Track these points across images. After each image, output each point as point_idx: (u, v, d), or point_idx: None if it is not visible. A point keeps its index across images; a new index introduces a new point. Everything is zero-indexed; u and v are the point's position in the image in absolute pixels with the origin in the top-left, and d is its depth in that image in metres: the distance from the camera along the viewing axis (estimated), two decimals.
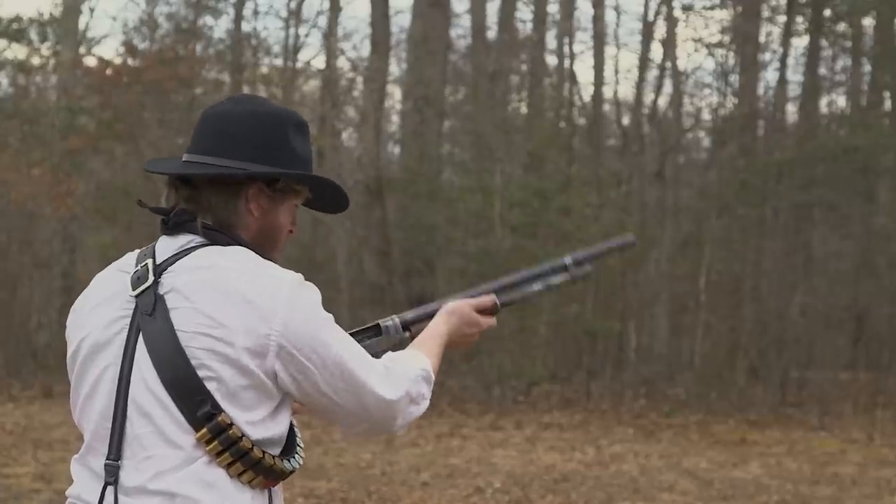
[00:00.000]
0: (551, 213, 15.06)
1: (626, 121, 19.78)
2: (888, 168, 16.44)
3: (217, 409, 2.04)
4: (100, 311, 2.17)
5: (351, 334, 2.28)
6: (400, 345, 2.45)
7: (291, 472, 2.15)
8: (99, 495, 2.07)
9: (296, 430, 2.22)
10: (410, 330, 2.50)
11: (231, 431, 2.04)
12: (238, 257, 2.13)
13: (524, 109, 20.16)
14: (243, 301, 2.06)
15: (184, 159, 2.21)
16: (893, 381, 15.51)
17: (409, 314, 2.51)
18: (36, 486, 8.77)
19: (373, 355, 2.25)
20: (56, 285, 17.45)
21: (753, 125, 17.20)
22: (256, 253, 2.17)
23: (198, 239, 2.17)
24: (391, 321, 2.51)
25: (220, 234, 2.18)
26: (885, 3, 15.80)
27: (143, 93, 15.99)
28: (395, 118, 22.27)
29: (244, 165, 2.18)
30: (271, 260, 2.20)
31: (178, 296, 2.09)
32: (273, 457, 2.10)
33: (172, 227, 2.18)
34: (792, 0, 17.42)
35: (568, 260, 2.56)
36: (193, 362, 2.04)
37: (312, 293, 2.13)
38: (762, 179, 15.77)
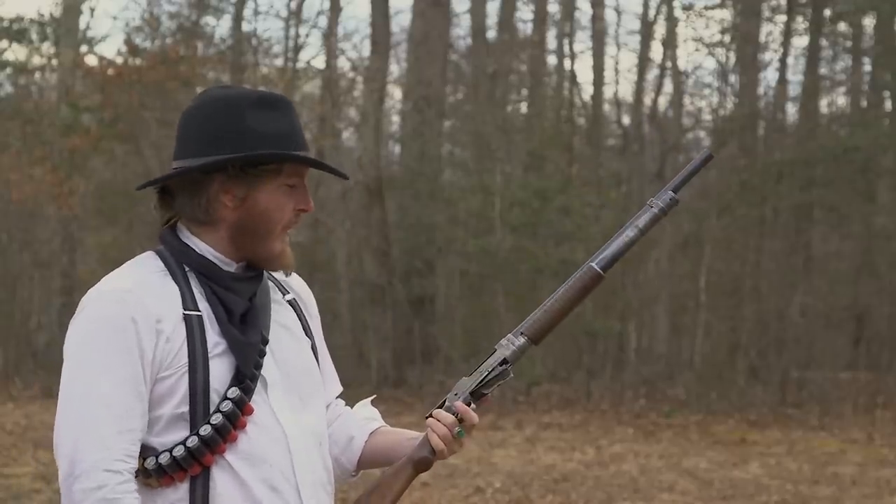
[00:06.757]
0: (551, 213, 15.05)
1: (626, 121, 19.80)
2: (888, 168, 16.42)
3: None
4: None
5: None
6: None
7: None
8: None
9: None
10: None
11: None
12: (120, 268, 2.17)
13: (524, 109, 20.17)
14: None
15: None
16: (893, 381, 15.51)
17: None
18: (36, 486, 8.78)
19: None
20: (56, 285, 17.46)
21: (753, 125, 17.18)
22: (248, 242, 2.14)
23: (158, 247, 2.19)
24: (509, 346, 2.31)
25: (172, 239, 2.17)
26: (885, 2, 15.78)
27: (144, 92, 15.98)
28: (395, 118, 22.28)
29: (198, 162, 2.11)
30: (268, 248, 2.14)
31: None
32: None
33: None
34: (792, 0, 17.41)
35: (658, 202, 2.34)
36: None
37: (80, 321, 2.09)
38: (762, 179, 15.75)
